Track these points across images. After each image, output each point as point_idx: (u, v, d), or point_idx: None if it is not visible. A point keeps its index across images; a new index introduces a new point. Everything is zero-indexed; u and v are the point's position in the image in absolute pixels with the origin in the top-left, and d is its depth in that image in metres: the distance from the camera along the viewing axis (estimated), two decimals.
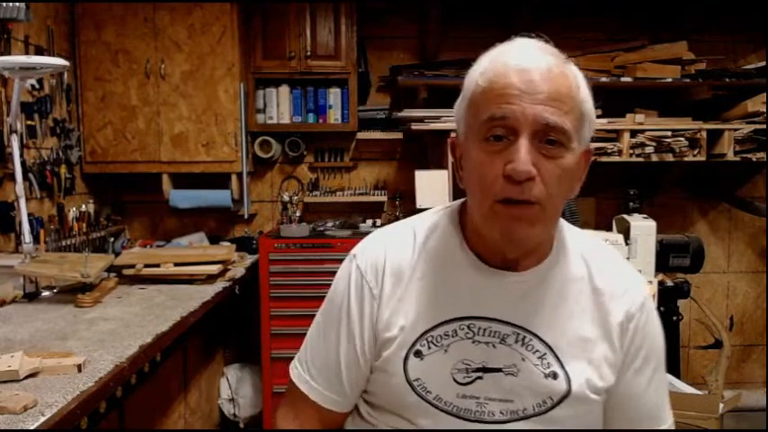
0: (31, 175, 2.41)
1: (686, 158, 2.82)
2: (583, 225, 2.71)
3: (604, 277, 0.92)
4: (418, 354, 0.89)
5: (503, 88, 0.79)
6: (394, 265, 0.92)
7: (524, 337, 0.88)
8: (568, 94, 0.81)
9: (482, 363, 0.88)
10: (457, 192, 0.97)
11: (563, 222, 0.94)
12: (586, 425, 0.90)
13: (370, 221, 3.12)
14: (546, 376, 0.87)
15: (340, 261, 1.00)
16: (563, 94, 0.80)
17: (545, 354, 0.88)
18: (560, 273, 0.91)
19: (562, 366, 0.88)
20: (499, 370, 0.88)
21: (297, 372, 0.97)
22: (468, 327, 0.88)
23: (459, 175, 0.90)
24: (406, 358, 0.89)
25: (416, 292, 0.91)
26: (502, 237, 0.83)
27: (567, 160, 0.81)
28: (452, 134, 0.93)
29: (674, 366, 2.50)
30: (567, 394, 0.87)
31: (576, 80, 0.84)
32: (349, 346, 0.92)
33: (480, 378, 0.88)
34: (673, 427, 0.96)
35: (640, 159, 2.79)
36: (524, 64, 0.80)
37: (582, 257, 0.93)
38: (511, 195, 0.79)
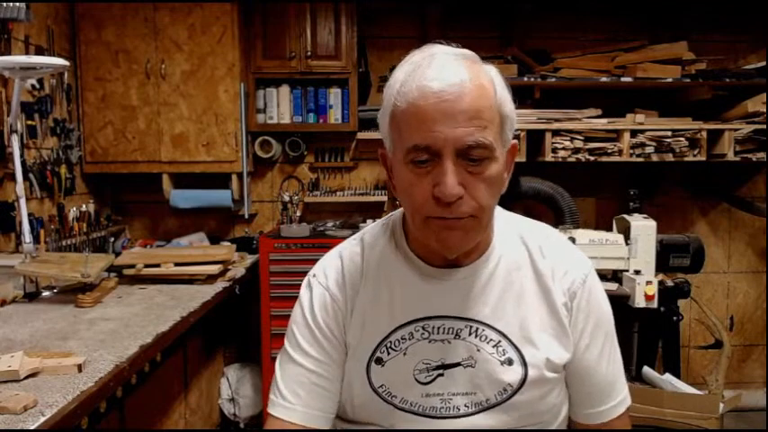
0: (31, 175, 2.41)
1: (686, 158, 2.82)
2: (583, 225, 2.72)
3: (545, 259, 0.94)
4: (379, 361, 0.91)
5: (422, 114, 0.79)
6: (350, 278, 0.95)
7: (477, 328, 0.90)
8: (487, 104, 0.81)
9: (440, 360, 0.90)
10: None
11: (499, 209, 0.95)
12: (551, 404, 0.93)
13: (370, 221, 3.11)
14: (502, 363, 0.89)
15: None
16: (482, 107, 0.80)
17: (499, 341, 0.90)
18: (503, 261, 0.93)
19: (517, 350, 0.90)
20: (458, 364, 0.90)
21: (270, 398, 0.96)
22: (423, 327, 0.91)
23: (393, 185, 0.90)
24: (368, 367, 0.91)
25: (370, 302, 0.93)
26: (438, 245, 0.85)
27: (493, 170, 0.82)
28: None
29: (674, 366, 2.50)
30: (524, 380, 0.89)
31: (493, 84, 0.83)
32: (321, 357, 0.93)
33: (441, 375, 0.90)
34: (627, 400, 0.98)
35: (640, 159, 2.79)
36: (441, 85, 0.79)
37: (522, 242, 0.95)
38: (441, 215, 0.82)
